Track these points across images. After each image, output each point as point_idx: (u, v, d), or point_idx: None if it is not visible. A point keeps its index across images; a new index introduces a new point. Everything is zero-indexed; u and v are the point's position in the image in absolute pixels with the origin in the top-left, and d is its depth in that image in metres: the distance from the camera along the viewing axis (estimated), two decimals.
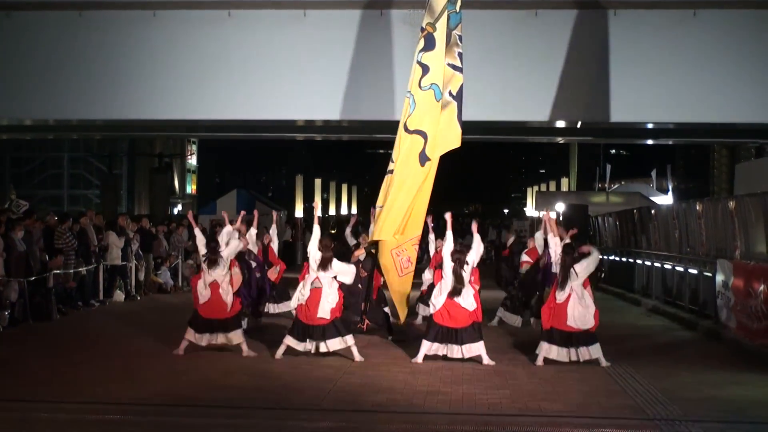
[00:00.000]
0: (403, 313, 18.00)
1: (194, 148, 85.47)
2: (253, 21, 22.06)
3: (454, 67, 17.31)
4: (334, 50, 21.51)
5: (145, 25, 22.13)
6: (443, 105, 17.18)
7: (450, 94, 17.25)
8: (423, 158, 17.20)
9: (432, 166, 17.32)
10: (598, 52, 21.35)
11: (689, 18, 21.60)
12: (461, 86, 17.30)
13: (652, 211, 28.20)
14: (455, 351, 15.52)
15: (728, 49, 21.47)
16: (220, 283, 16.24)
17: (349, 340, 15.76)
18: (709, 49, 21.53)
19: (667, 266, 24.35)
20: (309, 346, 15.68)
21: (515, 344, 17.73)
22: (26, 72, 22.43)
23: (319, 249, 15.84)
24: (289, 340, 15.78)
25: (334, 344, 15.68)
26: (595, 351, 15.40)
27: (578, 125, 24.18)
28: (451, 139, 17.35)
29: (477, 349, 15.52)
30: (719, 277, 19.05)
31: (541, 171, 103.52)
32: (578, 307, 15.41)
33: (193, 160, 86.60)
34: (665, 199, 49.90)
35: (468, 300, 15.62)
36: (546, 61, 21.52)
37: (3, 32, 22.29)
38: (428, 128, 17.18)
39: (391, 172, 17.42)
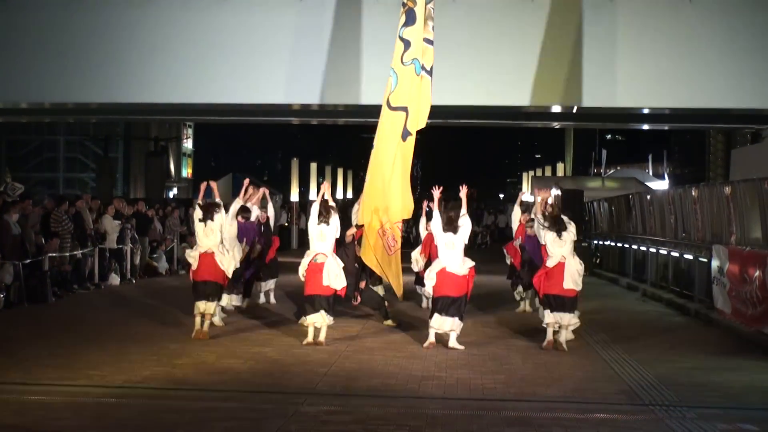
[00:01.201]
0: (399, 289, 17.87)
1: (190, 131, 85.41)
2: (250, 4, 22.00)
3: (427, 41, 17.24)
4: (330, 34, 21.46)
5: (140, 8, 22.07)
6: (421, 79, 17.15)
7: (423, 68, 17.18)
8: (405, 133, 17.10)
9: (412, 141, 17.21)
10: (594, 36, 21.32)
11: (685, 3, 21.56)
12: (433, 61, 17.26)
13: (648, 197, 28.15)
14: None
15: (724, 35, 21.45)
16: (214, 251, 16.24)
17: (329, 320, 15.73)
18: (705, 34, 21.50)
19: (663, 251, 24.33)
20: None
21: (510, 329, 17.71)
22: (22, 55, 22.36)
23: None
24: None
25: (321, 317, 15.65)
26: (575, 319, 15.51)
27: (574, 110, 24.12)
28: (424, 115, 17.26)
29: (451, 325, 15.46)
30: (715, 263, 19.02)
31: (537, 156, 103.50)
32: (572, 268, 15.48)
33: (188, 144, 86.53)
34: (661, 185, 49.93)
35: (462, 268, 15.52)
36: (542, 46, 21.47)
37: None
38: (409, 103, 17.10)
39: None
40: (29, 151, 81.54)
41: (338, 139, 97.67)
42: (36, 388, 11.81)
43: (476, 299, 20.54)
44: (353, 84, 21.54)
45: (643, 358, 14.62)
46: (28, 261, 20.29)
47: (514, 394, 11.96)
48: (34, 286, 20.48)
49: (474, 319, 18.24)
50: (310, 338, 15.50)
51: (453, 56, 21.11)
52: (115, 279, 24.99)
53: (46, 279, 20.82)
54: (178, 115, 33.04)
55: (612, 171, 63.12)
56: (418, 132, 17.50)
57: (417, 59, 17.08)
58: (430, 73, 17.26)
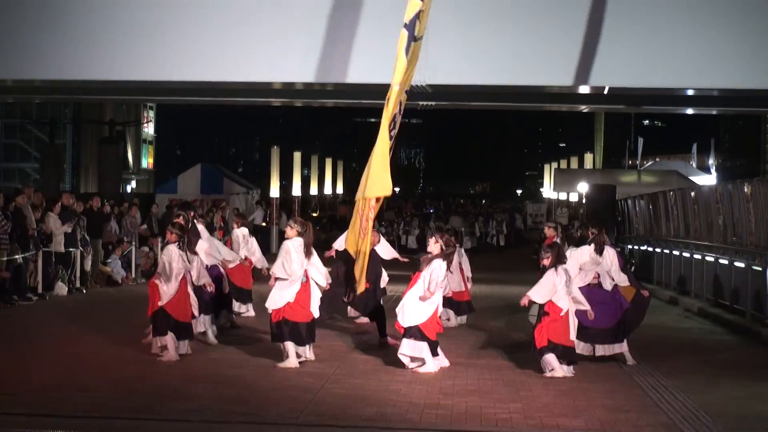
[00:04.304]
0: (360, 283, 17.10)
1: (151, 114, 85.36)
2: None
3: None
4: (317, 1, 21.42)
5: None
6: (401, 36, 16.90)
7: (404, 24, 16.88)
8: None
9: (391, 104, 16.80)
10: (629, 6, 21.29)
11: None
12: (417, 14, 16.92)
13: (692, 194, 28.20)
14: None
15: None
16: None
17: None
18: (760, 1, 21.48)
19: (709, 258, 24.34)
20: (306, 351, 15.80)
21: (527, 349, 17.60)
22: None
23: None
24: (291, 347, 15.56)
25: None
26: None
27: (605, 91, 24.12)
28: (398, 73, 16.86)
29: None
30: None
31: (561, 145, 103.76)
32: None
33: (150, 129, 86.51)
34: (707, 179, 50.02)
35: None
36: (568, 17, 21.44)
37: None
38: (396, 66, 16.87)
39: None
40: None
41: (327, 124, 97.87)
42: None
43: (491, 314, 20.58)
44: (344, 59, 21.50)
45: (686, 384, 14.63)
46: None
47: (534, 426, 11.97)
48: None
49: (485, 336, 18.23)
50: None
51: (463, 28, 21.08)
52: (62, 288, 24.97)
53: None
54: (138, 95, 33.00)
55: (650, 163, 63.28)
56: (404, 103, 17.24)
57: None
58: (406, 27, 16.84)
